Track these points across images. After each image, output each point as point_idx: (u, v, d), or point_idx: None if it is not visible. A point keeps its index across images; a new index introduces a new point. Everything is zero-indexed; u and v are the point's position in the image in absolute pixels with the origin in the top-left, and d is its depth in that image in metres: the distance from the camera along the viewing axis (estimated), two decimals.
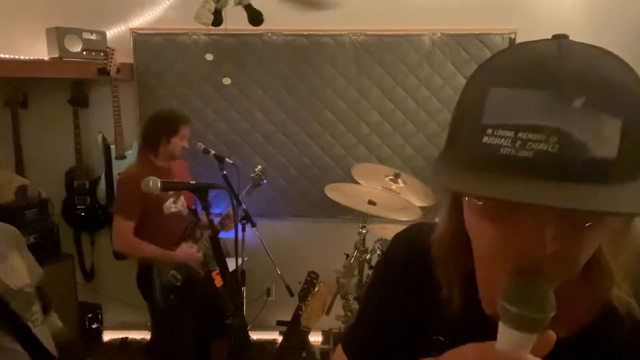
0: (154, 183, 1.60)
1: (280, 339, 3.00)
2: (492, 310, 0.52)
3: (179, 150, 2.50)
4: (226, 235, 2.74)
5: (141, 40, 3.10)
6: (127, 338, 3.42)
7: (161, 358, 2.68)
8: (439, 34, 3.03)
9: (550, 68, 0.45)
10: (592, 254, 0.52)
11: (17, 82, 2.99)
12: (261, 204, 3.09)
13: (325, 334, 3.04)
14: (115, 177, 3.05)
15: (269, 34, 3.06)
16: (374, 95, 3.12)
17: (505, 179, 0.44)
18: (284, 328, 2.35)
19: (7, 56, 2.86)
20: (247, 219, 2.66)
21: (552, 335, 0.48)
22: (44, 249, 2.83)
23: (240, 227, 2.67)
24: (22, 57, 2.89)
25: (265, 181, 2.79)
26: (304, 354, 2.34)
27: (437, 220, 0.67)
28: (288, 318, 2.35)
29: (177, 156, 2.53)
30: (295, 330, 2.25)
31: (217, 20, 2.79)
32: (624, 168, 0.44)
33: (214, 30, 2.90)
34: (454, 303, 0.62)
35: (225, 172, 2.65)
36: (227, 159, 2.73)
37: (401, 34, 3.05)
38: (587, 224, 0.47)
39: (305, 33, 3.07)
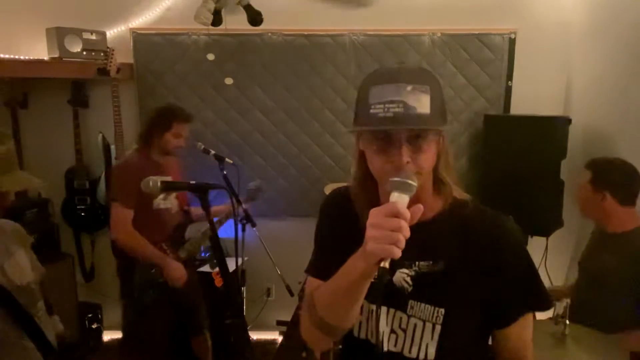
0: (153, 183, 1.59)
1: (280, 339, 3.01)
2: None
3: (172, 147, 2.46)
4: (226, 236, 2.75)
5: (141, 40, 3.09)
6: None
7: (136, 356, 2.61)
8: (439, 34, 3.03)
9: (396, 74, 0.92)
10: (433, 166, 0.98)
11: (17, 82, 2.99)
12: (261, 204, 3.08)
13: None
14: None
15: (269, 34, 3.06)
16: None
17: (382, 126, 0.91)
18: (284, 328, 2.35)
19: (7, 56, 2.86)
20: (247, 219, 2.66)
21: (420, 206, 0.86)
22: (44, 249, 2.82)
23: (240, 227, 2.67)
24: (22, 57, 2.89)
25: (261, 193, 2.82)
26: (304, 354, 2.34)
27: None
28: (288, 318, 2.35)
29: (170, 152, 2.49)
30: (295, 330, 2.25)
31: (217, 20, 2.79)
32: (433, 118, 0.92)
33: (214, 30, 2.90)
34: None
35: (225, 172, 2.64)
36: (227, 159, 2.73)
37: (401, 34, 3.05)
38: (422, 143, 0.92)
39: (305, 33, 3.07)
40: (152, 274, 2.44)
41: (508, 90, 3.09)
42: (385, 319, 1.05)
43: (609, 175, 1.91)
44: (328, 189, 2.54)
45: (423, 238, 0.93)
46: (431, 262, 1.02)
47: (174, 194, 2.52)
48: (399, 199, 0.86)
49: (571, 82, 3.01)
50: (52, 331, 1.50)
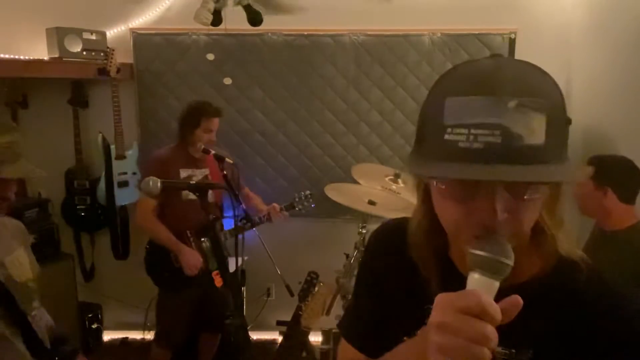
0: (153, 183, 1.60)
1: (280, 339, 3.00)
2: (466, 270, 0.62)
3: (204, 142, 2.56)
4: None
5: (141, 40, 3.09)
6: (127, 338, 3.42)
7: (161, 338, 2.75)
8: (439, 34, 3.03)
9: (490, 79, 0.59)
10: (535, 220, 0.66)
11: (17, 82, 2.99)
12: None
13: (325, 334, 3.03)
14: (116, 177, 3.06)
15: (269, 34, 3.06)
16: (374, 95, 3.12)
17: (464, 165, 0.58)
18: (284, 328, 2.35)
19: (7, 56, 2.85)
20: (247, 219, 2.65)
21: (519, 299, 0.57)
22: (44, 249, 2.82)
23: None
24: (22, 57, 2.89)
25: (313, 205, 2.90)
26: (304, 354, 2.34)
27: (406, 216, 0.82)
28: (288, 318, 2.35)
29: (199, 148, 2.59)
30: (295, 330, 2.25)
31: (217, 20, 2.79)
32: (551, 152, 0.59)
33: (214, 30, 2.90)
34: (433, 277, 0.73)
35: (225, 172, 2.64)
36: (227, 159, 2.73)
37: (401, 34, 3.05)
38: (525, 196, 0.61)
39: (305, 33, 3.07)
40: (171, 258, 2.57)
41: None
42: None
43: (611, 171, 1.91)
44: (328, 189, 2.54)
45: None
46: (514, 351, 0.70)
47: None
48: (484, 286, 0.58)
49: (571, 82, 3.01)
50: (44, 329, 1.52)
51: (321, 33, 3.07)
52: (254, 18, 2.81)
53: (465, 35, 3.03)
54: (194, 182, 2.45)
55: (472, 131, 0.58)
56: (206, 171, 2.65)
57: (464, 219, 0.64)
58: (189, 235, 2.62)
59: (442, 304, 0.57)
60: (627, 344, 0.67)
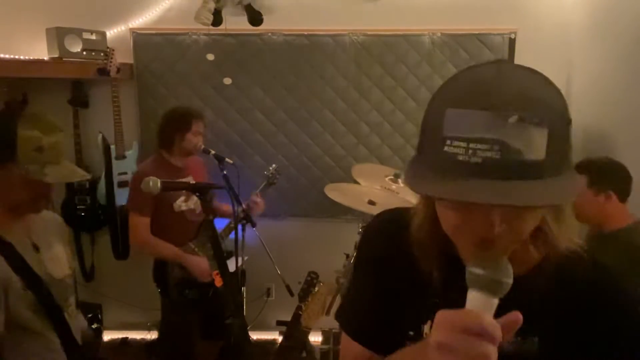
0: (153, 183, 1.60)
1: (280, 339, 3.00)
2: (468, 262, 0.64)
3: (194, 146, 2.55)
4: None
5: (141, 40, 3.09)
6: (127, 338, 3.42)
7: (166, 354, 2.71)
8: (439, 34, 3.03)
9: (491, 91, 0.58)
10: (536, 225, 0.67)
11: (17, 82, 2.99)
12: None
13: (325, 334, 3.03)
14: (116, 177, 3.06)
15: (269, 34, 3.06)
16: (374, 95, 3.12)
17: (461, 180, 0.58)
18: (284, 328, 2.36)
19: (7, 56, 2.86)
20: (247, 219, 2.66)
21: (518, 316, 0.58)
22: None
23: (240, 227, 2.67)
24: (22, 57, 2.89)
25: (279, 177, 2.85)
26: (304, 354, 2.34)
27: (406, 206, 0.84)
28: (288, 318, 2.35)
29: (192, 152, 2.58)
30: (295, 330, 2.25)
31: (217, 20, 2.79)
32: (551, 166, 0.58)
33: (214, 30, 2.90)
34: (435, 273, 0.75)
35: (225, 172, 2.64)
36: (227, 159, 2.73)
37: (401, 34, 3.04)
38: (524, 210, 0.62)
39: (305, 33, 3.07)
40: (184, 274, 2.51)
41: None
42: None
43: (609, 174, 1.91)
44: (328, 189, 2.54)
45: (509, 305, 0.61)
46: (519, 339, 0.72)
47: (194, 196, 2.56)
48: (484, 303, 0.58)
49: (571, 82, 3.01)
50: (79, 328, 1.52)
51: (321, 33, 3.06)
52: (254, 18, 2.81)
53: (465, 35, 3.03)
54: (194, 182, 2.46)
55: (471, 145, 0.57)
56: (191, 179, 2.59)
57: (462, 226, 0.65)
58: (193, 246, 2.59)
59: (443, 324, 0.58)
60: (625, 330, 0.71)
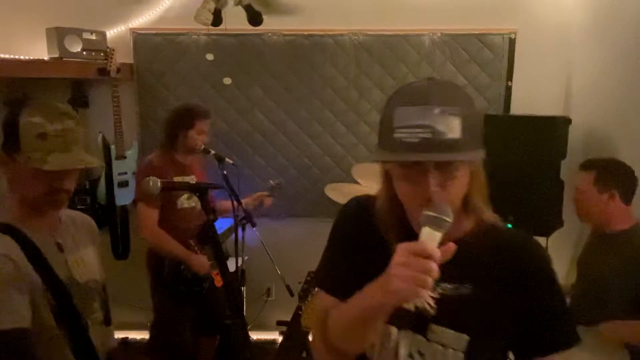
0: (153, 183, 1.60)
1: (280, 339, 3.00)
2: (419, 229, 0.86)
3: (196, 144, 2.55)
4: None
5: (141, 40, 3.09)
6: (127, 338, 3.42)
7: (161, 348, 2.69)
8: (439, 34, 3.03)
9: (424, 95, 0.85)
10: (464, 194, 0.92)
11: (17, 82, 2.99)
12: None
13: None
14: (115, 177, 3.06)
15: (269, 34, 3.06)
16: (374, 95, 3.12)
17: (407, 153, 0.85)
18: (284, 328, 2.35)
19: (7, 56, 2.85)
20: (247, 219, 2.66)
21: (452, 245, 0.83)
22: None
23: (240, 227, 2.67)
24: (22, 57, 2.89)
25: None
26: (304, 354, 2.33)
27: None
28: (288, 318, 2.35)
29: (195, 150, 2.58)
30: (295, 330, 2.25)
31: (217, 20, 2.79)
32: (465, 143, 0.84)
33: (214, 30, 2.90)
34: (394, 238, 0.92)
35: (225, 172, 2.64)
36: (227, 159, 2.73)
37: (401, 34, 3.05)
38: (453, 170, 0.87)
39: (305, 33, 3.07)
40: (181, 270, 2.51)
41: (508, 90, 3.09)
42: (403, 343, 1.00)
43: (615, 173, 1.90)
44: (328, 189, 2.54)
45: (452, 259, 0.85)
46: (457, 285, 0.96)
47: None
48: (430, 237, 0.83)
49: (571, 82, 3.01)
50: (102, 341, 1.40)
51: (321, 33, 3.07)
52: (254, 18, 2.81)
53: (465, 35, 3.03)
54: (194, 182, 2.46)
55: (411, 130, 0.83)
56: (194, 178, 2.60)
57: (412, 193, 0.90)
58: (192, 244, 2.59)
59: (402, 249, 0.82)
60: (540, 280, 0.97)
